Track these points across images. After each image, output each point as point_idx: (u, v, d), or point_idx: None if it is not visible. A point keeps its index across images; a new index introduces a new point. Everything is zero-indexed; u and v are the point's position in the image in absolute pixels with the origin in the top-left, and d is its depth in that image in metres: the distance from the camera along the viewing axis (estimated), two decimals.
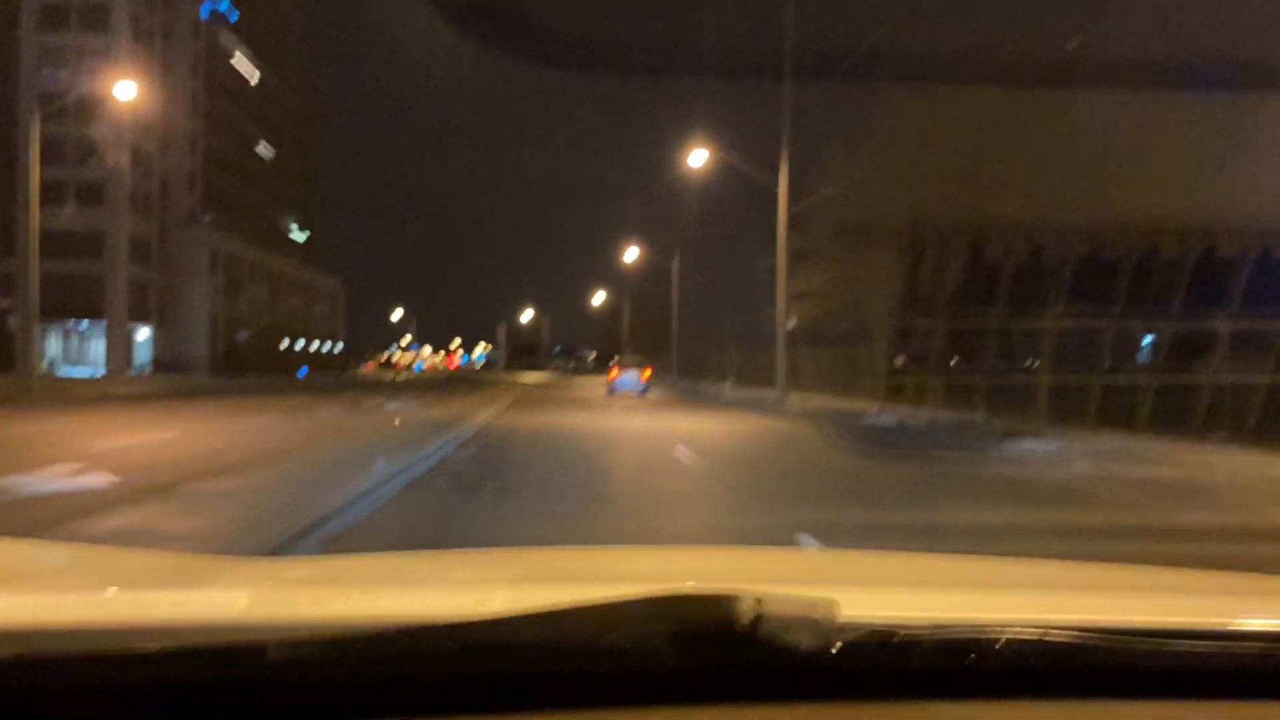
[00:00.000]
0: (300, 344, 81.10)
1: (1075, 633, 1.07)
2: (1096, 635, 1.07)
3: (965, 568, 2.01)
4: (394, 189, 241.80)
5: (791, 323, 30.68)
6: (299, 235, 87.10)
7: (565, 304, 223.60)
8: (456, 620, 0.98)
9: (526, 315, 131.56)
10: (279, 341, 71.36)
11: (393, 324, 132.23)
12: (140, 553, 2.09)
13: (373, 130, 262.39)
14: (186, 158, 61.39)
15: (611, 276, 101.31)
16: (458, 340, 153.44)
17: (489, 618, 1.00)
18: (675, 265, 58.44)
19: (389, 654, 0.96)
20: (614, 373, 36.85)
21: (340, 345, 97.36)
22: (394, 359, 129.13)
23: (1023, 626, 1.06)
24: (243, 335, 61.29)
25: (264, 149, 75.04)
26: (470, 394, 33.10)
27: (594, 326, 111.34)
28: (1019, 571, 1.93)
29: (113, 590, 1.34)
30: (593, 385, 45.66)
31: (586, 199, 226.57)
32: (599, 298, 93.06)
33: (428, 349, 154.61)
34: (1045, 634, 1.05)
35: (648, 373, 37.37)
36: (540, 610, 0.98)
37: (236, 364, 61.36)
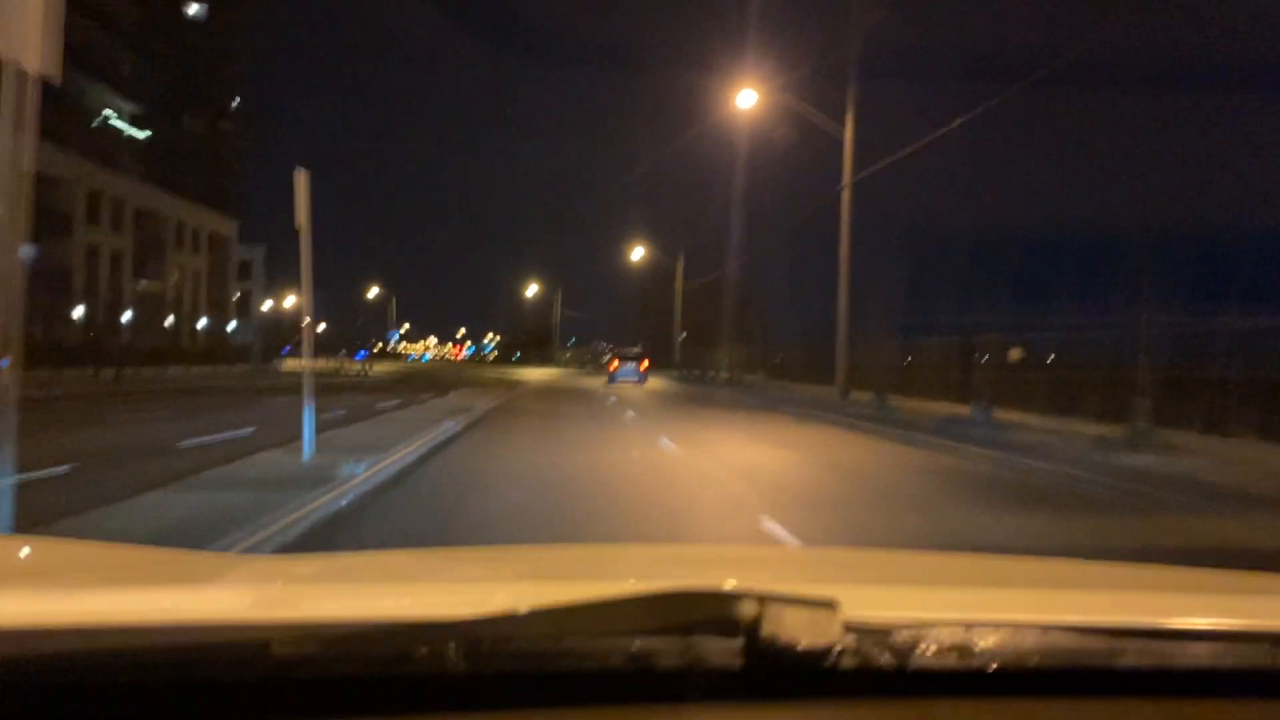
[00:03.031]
0: (128, 316, 47.10)
1: (1076, 631, 1.08)
2: (1097, 633, 1.07)
3: (965, 565, 2.03)
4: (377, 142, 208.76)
5: None
6: (132, 132, 52.80)
7: (591, 281, 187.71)
8: (460, 618, 0.98)
9: (543, 305, 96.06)
10: (46, 309, 36.45)
11: (390, 314, 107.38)
12: (144, 550, 2.07)
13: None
14: None
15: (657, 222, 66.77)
16: (463, 330, 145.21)
17: (492, 615, 0.99)
18: (847, 127, 23.99)
19: (393, 651, 0.97)
20: (614, 364, 42.51)
21: (236, 322, 63.11)
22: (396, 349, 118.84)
23: (1023, 625, 1.07)
24: None
25: None
26: None
27: (626, 308, 78.77)
28: (1020, 569, 1.94)
29: (116, 588, 1.32)
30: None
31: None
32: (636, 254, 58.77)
33: (433, 339, 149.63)
34: (1046, 632, 1.06)
35: (645, 364, 42.23)
36: (543, 607, 0.98)
37: None
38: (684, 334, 57.58)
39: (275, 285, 76.31)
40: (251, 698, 0.94)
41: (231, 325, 62.42)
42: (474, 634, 0.97)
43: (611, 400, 26.40)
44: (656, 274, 63.92)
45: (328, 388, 35.86)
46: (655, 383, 42.63)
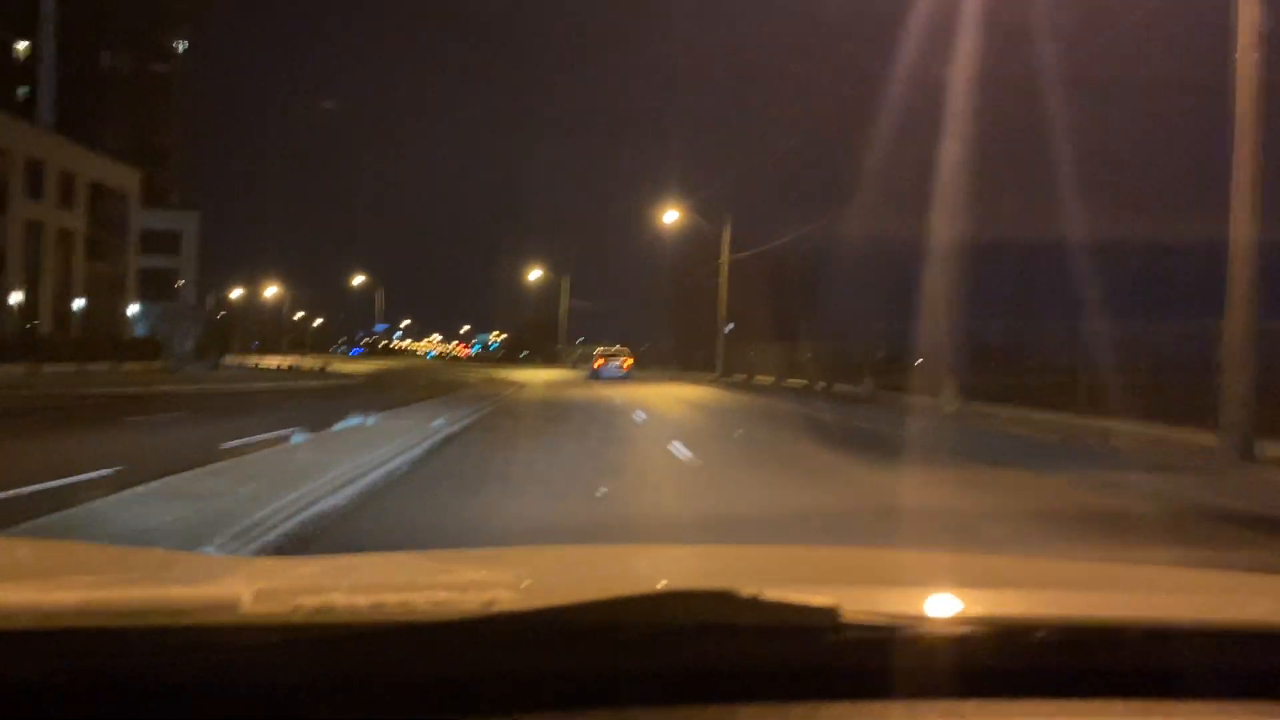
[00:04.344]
0: None
1: (1076, 630, 1.09)
2: (1097, 632, 1.09)
3: (965, 565, 2.03)
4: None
5: None
6: None
7: (609, 271, 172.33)
8: (461, 619, 0.99)
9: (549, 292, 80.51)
10: None
11: (378, 306, 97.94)
12: (143, 551, 2.08)
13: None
14: None
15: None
16: (467, 327, 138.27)
17: (493, 616, 1.00)
18: None
19: (393, 654, 0.97)
20: (599, 362, 38.89)
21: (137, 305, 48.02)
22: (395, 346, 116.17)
23: (1020, 624, 1.08)
24: None
25: None
26: None
27: (653, 292, 64.18)
28: (1019, 568, 1.95)
29: (115, 588, 1.32)
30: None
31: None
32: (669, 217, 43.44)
33: (437, 336, 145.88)
34: (1046, 631, 1.06)
35: (629, 362, 39.08)
36: (543, 608, 1.00)
37: None
38: (731, 325, 42.14)
39: (213, 264, 61.45)
40: (249, 700, 0.94)
41: (133, 309, 47.37)
42: (476, 635, 0.96)
43: (686, 458, 10.28)
44: (691, 249, 48.79)
45: (208, 398, 21.47)
46: (708, 393, 27.35)
